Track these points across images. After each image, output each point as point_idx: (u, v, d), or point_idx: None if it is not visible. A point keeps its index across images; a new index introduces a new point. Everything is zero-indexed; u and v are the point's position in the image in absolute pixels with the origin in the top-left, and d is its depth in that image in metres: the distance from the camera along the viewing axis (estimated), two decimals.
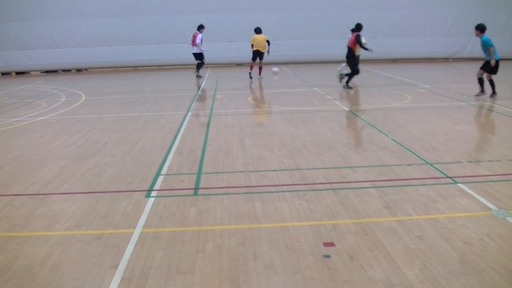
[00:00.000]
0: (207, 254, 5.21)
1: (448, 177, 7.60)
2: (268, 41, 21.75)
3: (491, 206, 6.35)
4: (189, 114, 13.64)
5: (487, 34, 15.52)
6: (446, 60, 31.04)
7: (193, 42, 22.59)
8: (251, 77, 22.28)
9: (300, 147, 9.60)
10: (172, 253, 5.26)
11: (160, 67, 30.62)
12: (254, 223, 5.97)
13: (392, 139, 10.12)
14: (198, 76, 23.86)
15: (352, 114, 12.98)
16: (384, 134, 10.59)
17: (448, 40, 30.77)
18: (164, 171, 8.31)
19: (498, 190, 6.95)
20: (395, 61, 30.59)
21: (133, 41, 29.40)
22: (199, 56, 23.11)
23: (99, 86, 22.78)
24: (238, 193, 7.07)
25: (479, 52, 30.70)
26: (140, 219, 6.17)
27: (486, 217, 6.02)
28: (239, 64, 29.88)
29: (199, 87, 20.06)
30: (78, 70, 31.42)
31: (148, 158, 9.13)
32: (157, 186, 7.54)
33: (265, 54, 21.94)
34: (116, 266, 4.98)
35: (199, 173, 8.12)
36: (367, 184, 7.32)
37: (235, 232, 5.74)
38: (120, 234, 5.78)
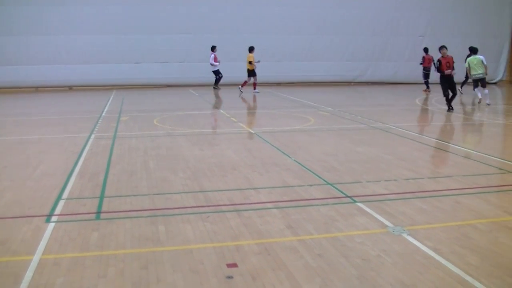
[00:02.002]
0: (109, 279, 5.12)
1: (347, 196, 7.86)
2: (249, 61, 25.82)
3: (387, 223, 6.62)
4: (93, 136, 13.38)
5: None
6: (348, 84, 32.07)
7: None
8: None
9: (204, 169, 9.64)
10: (73, 279, 5.12)
11: (64, 88, 29.63)
12: (157, 246, 5.93)
13: (294, 160, 10.34)
14: (216, 88, 28.05)
15: (257, 136, 13.16)
16: (287, 155, 10.80)
17: (350, 65, 31.88)
18: (65, 195, 8.10)
19: (394, 208, 7.25)
20: (279, 84, 31.14)
21: (34, 61, 28.32)
22: (214, 72, 27.63)
23: None
24: (141, 216, 6.99)
25: (378, 77, 32.39)
26: (40, 245, 5.98)
27: (383, 234, 6.27)
28: (145, 86, 29.66)
29: (103, 109, 19.69)
30: None
31: (49, 182, 8.87)
32: (58, 210, 7.33)
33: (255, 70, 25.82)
34: None
35: (101, 197, 7.98)
36: (270, 205, 7.44)
37: (138, 256, 5.68)
38: (18, 261, 5.58)
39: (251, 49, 25.86)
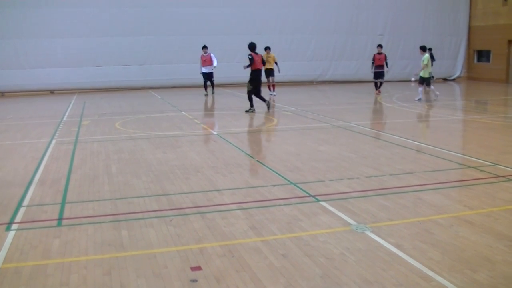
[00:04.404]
0: (71, 287, 5.06)
1: (311, 195, 7.90)
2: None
3: (350, 221, 6.69)
4: (54, 141, 13.18)
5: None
6: (310, 83, 32.26)
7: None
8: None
9: (167, 172, 9.59)
10: None
11: (23, 93, 29.02)
12: (120, 252, 5.87)
13: (258, 161, 10.37)
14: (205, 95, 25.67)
15: (220, 138, 13.15)
16: (250, 156, 10.83)
17: (312, 64, 32.08)
18: (26, 202, 7.96)
19: (357, 206, 7.33)
20: (240, 85, 30.99)
21: None
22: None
23: None
24: (103, 222, 6.92)
25: (339, 75, 32.62)
26: (0, 254, 5.87)
27: (346, 232, 6.32)
28: (106, 89, 29.33)
29: (64, 113, 19.40)
30: None
31: (9, 190, 8.71)
32: (18, 218, 7.20)
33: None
34: None
35: (63, 203, 7.87)
36: (233, 206, 7.44)
37: (101, 262, 5.62)
38: None
39: (265, 49, 24.40)
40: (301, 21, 31.57)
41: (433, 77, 22.63)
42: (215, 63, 24.99)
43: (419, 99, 21.21)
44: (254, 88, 18.19)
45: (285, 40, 31.29)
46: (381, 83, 24.58)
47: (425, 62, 20.92)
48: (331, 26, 32.15)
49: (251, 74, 18.20)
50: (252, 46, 18.22)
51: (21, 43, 27.81)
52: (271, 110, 18.50)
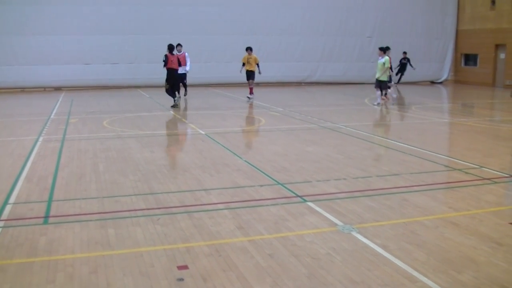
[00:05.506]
0: (57, 284, 5.05)
1: (298, 196, 7.94)
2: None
3: (337, 222, 6.73)
4: (41, 139, 13.12)
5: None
6: (298, 84, 32.30)
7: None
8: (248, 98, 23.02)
9: (155, 171, 9.59)
10: (20, 286, 5.03)
11: (10, 90, 28.84)
12: (107, 250, 5.87)
13: (245, 161, 10.38)
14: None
15: (208, 137, 13.15)
16: (238, 156, 10.84)
17: (300, 65, 32.12)
18: (12, 199, 7.93)
19: (343, 207, 7.37)
20: (229, 85, 30.64)
21: None
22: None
23: None
24: (90, 220, 6.91)
25: (327, 77, 32.64)
26: None
27: (333, 233, 6.36)
28: (95, 87, 29.21)
29: (52, 111, 19.30)
30: None
31: None
32: (5, 216, 7.18)
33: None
34: None
35: (49, 201, 7.84)
36: (220, 206, 7.46)
37: (87, 260, 5.61)
38: None
39: (246, 50, 22.64)
40: (290, 22, 31.58)
41: (391, 81, 21.79)
42: (188, 66, 22.21)
43: (378, 104, 20.38)
44: (170, 86, 19.78)
45: (273, 41, 31.27)
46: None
47: (387, 65, 19.86)
48: (320, 28, 32.21)
49: (166, 73, 19.63)
50: (169, 47, 19.53)
51: (9, 40, 27.61)
52: (177, 109, 19.53)
